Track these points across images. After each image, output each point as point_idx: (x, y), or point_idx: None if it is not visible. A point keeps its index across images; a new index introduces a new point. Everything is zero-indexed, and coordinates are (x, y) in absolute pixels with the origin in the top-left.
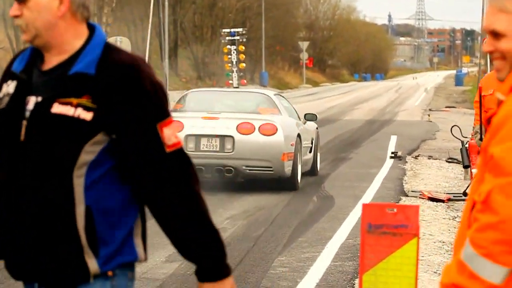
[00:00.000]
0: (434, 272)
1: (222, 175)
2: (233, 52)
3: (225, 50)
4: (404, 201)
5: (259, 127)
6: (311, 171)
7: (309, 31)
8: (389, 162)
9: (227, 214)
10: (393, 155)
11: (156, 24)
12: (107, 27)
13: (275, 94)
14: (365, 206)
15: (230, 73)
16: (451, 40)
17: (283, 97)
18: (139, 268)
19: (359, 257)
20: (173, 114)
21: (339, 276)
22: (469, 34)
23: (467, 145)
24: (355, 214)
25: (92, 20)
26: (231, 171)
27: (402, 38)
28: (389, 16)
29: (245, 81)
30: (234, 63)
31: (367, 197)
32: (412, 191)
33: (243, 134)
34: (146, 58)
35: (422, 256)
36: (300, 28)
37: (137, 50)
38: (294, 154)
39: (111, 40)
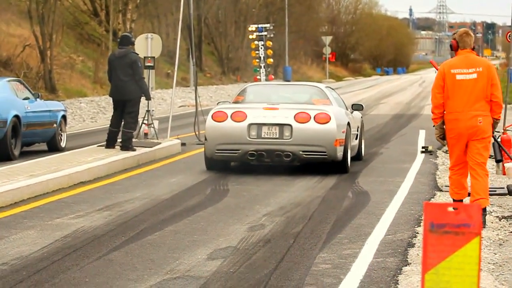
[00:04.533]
0: (484, 270)
1: (281, 160)
2: (261, 48)
3: (253, 46)
4: (439, 196)
5: (314, 116)
6: (357, 156)
7: (331, 25)
8: (420, 157)
9: (264, 210)
10: (423, 149)
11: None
12: (131, 23)
13: (326, 87)
14: (426, 205)
15: (258, 69)
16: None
17: (332, 89)
18: (182, 266)
19: (422, 256)
20: (236, 105)
21: (382, 273)
22: (490, 27)
23: (499, 139)
24: (392, 209)
25: (116, 16)
26: (289, 156)
27: (423, 32)
28: (410, 10)
29: (272, 76)
30: (262, 58)
31: (402, 192)
32: (446, 186)
33: (300, 122)
34: (177, 55)
35: None
36: (323, 22)
37: (164, 46)
38: (345, 140)
39: (142, 37)
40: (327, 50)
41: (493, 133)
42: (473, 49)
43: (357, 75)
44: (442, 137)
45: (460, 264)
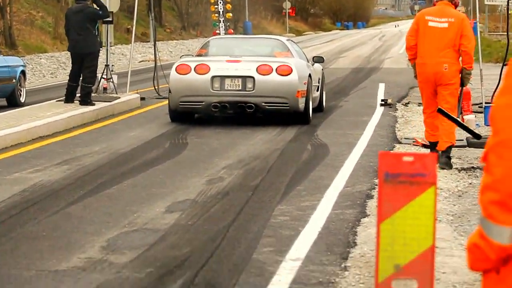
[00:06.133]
0: (439, 220)
1: (244, 111)
2: (220, 2)
3: (212, 1)
4: (398, 148)
5: (276, 68)
6: (319, 108)
7: None
8: (379, 110)
9: (223, 163)
10: (383, 102)
11: None
12: None
13: (287, 39)
14: (381, 154)
15: (217, 23)
16: None
17: (294, 42)
18: (140, 219)
19: (377, 206)
20: (199, 58)
21: (340, 224)
22: None
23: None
24: (351, 162)
25: None
26: (252, 107)
27: None
28: None
29: (232, 30)
30: (221, 13)
31: (361, 144)
32: (405, 138)
33: (262, 74)
34: (135, 10)
35: None
36: None
37: (120, 1)
38: (306, 91)
39: None
40: (287, 5)
41: (464, 84)
42: (452, 2)
43: (317, 29)
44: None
45: (415, 214)
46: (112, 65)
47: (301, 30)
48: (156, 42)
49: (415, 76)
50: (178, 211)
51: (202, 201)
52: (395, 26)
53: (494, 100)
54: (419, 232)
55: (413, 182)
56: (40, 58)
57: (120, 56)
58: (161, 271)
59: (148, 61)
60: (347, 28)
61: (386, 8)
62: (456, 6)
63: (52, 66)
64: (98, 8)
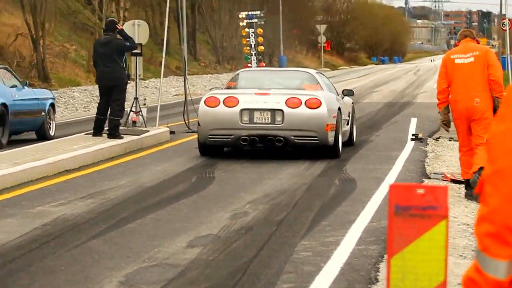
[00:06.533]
0: (460, 255)
1: (273, 145)
2: (252, 35)
3: (243, 33)
4: (427, 183)
5: (305, 101)
6: (349, 142)
7: (326, 14)
8: (410, 145)
9: (249, 198)
10: (414, 137)
11: (174, 8)
12: (125, 12)
13: (316, 72)
14: (392, 187)
15: (249, 56)
16: (468, 22)
17: (323, 75)
18: (161, 254)
19: (387, 240)
20: (228, 91)
21: (363, 260)
22: (485, 16)
23: None
24: (378, 197)
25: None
26: (281, 141)
27: (419, 21)
28: None
29: (264, 64)
30: (253, 46)
31: (390, 179)
32: (434, 173)
33: (291, 107)
34: (164, 43)
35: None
36: (318, 11)
37: (155, 34)
38: (336, 125)
39: (129, 23)
40: (322, 39)
41: (496, 112)
42: (474, 40)
43: (353, 64)
44: (446, 123)
45: (426, 249)
46: (145, 99)
47: (337, 65)
48: (190, 76)
49: (444, 122)
50: (200, 246)
51: (224, 236)
52: (431, 60)
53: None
54: (430, 267)
55: (424, 215)
56: (73, 92)
57: (153, 90)
58: None
59: (182, 95)
60: (383, 62)
61: (422, 43)
62: (478, 42)
63: (85, 99)
64: (125, 40)
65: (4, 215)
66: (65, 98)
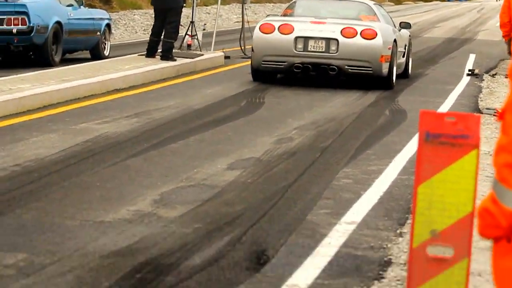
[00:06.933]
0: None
1: (327, 73)
2: None
3: None
4: None
5: (361, 32)
6: (404, 74)
7: None
8: (465, 79)
9: (296, 124)
10: (470, 72)
11: None
12: None
13: (374, 4)
14: (422, 113)
15: None
16: None
17: (381, 6)
18: (199, 175)
19: (415, 168)
20: (284, 18)
21: (404, 190)
22: None
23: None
24: None
25: None
26: (335, 69)
27: None
28: None
29: None
30: None
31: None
32: (486, 109)
33: (346, 37)
34: None
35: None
36: None
37: None
38: (390, 56)
39: None
40: None
41: None
42: None
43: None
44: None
45: (455, 178)
46: (204, 24)
47: (402, 0)
48: (254, 4)
49: (509, 53)
50: (240, 169)
51: (266, 160)
52: (496, 0)
53: None
54: (458, 197)
55: (455, 143)
56: (134, 14)
57: (215, 16)
58: (209, 227)
59: (248, 22)
60: (449, 0)
61: None
62: None
63: (145, 22)
64: None
65: (46, 130)
66: (125, 21)
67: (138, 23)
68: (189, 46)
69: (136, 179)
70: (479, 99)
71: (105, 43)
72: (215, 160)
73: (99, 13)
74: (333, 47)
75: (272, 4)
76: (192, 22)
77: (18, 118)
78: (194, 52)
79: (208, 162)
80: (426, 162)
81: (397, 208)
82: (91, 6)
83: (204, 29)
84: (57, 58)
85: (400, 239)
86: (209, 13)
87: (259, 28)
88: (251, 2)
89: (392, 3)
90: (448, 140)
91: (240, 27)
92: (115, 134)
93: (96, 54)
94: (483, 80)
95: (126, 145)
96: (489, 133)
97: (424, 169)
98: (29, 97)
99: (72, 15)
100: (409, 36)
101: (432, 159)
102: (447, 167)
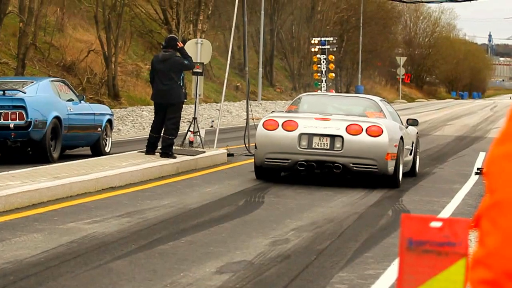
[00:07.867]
0: None
1: (331, 171)
2: (323, 62)
3: (315, 59)
4: None
5: (367, 129)
6: (411, 172)
7: (407, 47)
8: (473, 178)
9: (294, 225)
10: (478, 171)
11: (252, 33)
12: (202, 34)
13: (380, 100)
14: (404, 217)
15: (319, 83)
16: None
17: (387, 102)
18: (185, 279)
19: (397, 278)
20: (288, 115)
21: None
22: None
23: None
24: None
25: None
26: (340, 167)
27: (501, 58)
28: (489, 36)
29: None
30: (323, 72)
31: (445, 213)
32: None
33: (351, 134)
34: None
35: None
36: (398, 43)
37: (232, 58)
38: (397, 154)
39: (192, 41)
40: (401, 71)
41: None
42: None
43: (431, 97)
44: None
45: None
46: (212, 121)
47: (415, 97)
48: (265, 101)
49: None
50: (229, 273)
51: (258, 263)
52: (510, 98)
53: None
54: None
55: (441, 252)
56: (142, 110)
57: (225, 113)
58: None
59: (253, 119)
60: (462, 97)
61: (503, 80)
62: None
63: (153, 119)
64: (184, 59)
65: (31, 230)
66: (133, 117)
67: (146, 119)
68: (191, 142)
69: (118, 284)
70: None
71: (106, 139)
72: (204, 263)
73: (100, 108)
74: (337, 144)
75: (283, 101)
76: (194, 118)
77: (4, 216)
78: (196, 149)
79: (197, 265)
80: (408, 273)
81: None
82: (99, 101)
83: (211, 126)
84: (55, 155)
85: None
86: (219, 110)
87: (263, 125)
88: (262, 99)
89: (405, 101)
90: (433, 248)
91: (253, 124)
92: (103, 234)
93: (97, 150)
94: None
95: (112, 246)
96: None
97: (406, 280)
98: (17, 194)
99: (72, 110)
100: (417, 133)
101: (415, 269)
102: (432, 278)
